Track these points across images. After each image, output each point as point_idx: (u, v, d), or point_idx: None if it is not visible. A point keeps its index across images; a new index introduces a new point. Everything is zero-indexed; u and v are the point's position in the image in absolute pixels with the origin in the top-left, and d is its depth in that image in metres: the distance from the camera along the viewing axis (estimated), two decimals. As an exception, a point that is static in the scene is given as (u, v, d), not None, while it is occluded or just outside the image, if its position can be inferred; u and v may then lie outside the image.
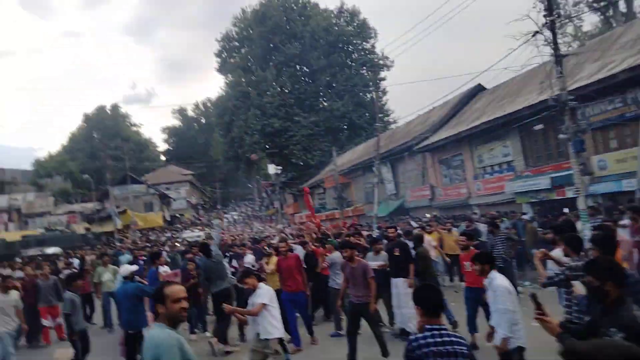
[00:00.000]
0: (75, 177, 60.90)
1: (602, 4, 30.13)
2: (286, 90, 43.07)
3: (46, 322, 8.93)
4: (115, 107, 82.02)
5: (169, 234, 35.94)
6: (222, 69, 48.79)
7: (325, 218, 37.15)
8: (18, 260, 19.46)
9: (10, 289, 7.97)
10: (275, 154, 43.52)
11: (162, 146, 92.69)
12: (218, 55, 48.89)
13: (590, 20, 41.71)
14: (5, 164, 56.56)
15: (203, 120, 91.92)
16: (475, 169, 19.66)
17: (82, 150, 71.32)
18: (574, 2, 30.00)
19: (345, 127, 43.79)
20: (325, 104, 43.76)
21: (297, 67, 44.70)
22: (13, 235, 35.43)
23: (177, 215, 61.55)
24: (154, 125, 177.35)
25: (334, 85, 43.33)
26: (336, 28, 44.29)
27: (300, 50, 42.40)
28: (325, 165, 43.74)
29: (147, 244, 22.47)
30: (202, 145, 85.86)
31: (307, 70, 44.36)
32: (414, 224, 17.37)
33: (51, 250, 25.50)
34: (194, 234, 29.37)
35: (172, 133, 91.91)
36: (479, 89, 23.41)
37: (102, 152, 66.63)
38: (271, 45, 43.77)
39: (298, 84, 44.16)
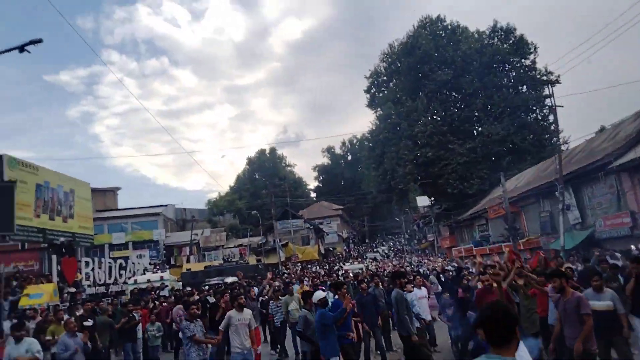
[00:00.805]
0: (242, 214, 67.23)
1: None
2: (438, 119, 41.84)
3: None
4: (273, 150, 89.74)
5: (327, 266, 36.56)
6: (372, 104, 49.79)
7: (489, 252, 34.22)
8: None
9: (244, 306, 8.23)
10: (428, 185, 42.13)
11: (312, 184, 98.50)
12: (367, 91, 50.14)
13: None
14: (186, 205, 64.86)
15: (349, 157, 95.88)
16: (698, 188, 15.98)
17: (246, 190, 78.63)
18: None
19: (506, 151, 40.42)
20: (481, 129, 41.21)
21: (449, 93, 43.28)
22: (197, 266, 40.14)
23: (330, 248, 63.47)
24: (304, 166, 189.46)
25: (490, 108, 40.70)
26: (490, 48, 42.02)
27: (452, 76, 41.06)
28: (484, 195, 40.78)
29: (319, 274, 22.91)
30: (348, 180, 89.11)
31: (460, 95, 42.60)
32: (617, 255, 14.70)
33: (229, 279, 27.87)
34: (354, 267, 29.50)
35: (321, 171, 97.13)
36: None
37: (265, 190, 73.08)
38: (420, 74, 43.29)
39: (450, 110, 42.62)
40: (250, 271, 34.16)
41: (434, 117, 42.01)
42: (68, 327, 7.76)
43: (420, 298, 9.31)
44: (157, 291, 19.10)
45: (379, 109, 49.04)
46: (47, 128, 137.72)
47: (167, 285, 20.89)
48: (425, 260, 36.12)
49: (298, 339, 10.36)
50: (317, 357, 6.40)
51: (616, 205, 20.48)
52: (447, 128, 41.09)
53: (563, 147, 40.42)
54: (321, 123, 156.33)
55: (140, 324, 11.58)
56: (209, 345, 7.90)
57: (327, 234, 68.29)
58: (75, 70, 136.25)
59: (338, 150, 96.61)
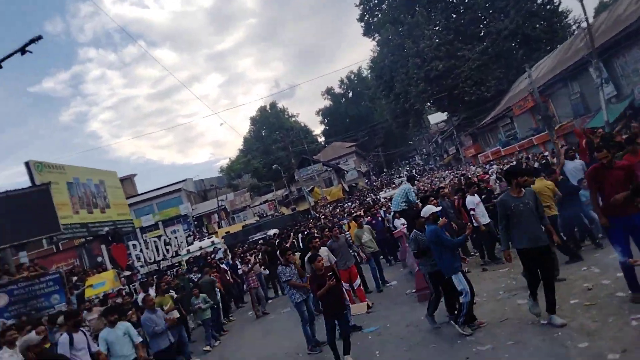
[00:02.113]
0: (259, 172, 67.12)
1: None
2: (441, 29, 39.90)
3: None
4: (273, 105, 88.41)
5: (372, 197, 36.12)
6: (368, 31, 47.73)
7: (519, 149, 33.67)
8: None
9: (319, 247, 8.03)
10: (445, 98, 40.97)
11: (318, 129, 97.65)
12: (360, 19, 47.97)
13: None
14: (201, 177, 64.82)
15: (350, 94, 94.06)
16: None
17: (257, 150, 78.12)
18: None
19: (518, 45, 38.70)
20: (488, 28, 39.27)
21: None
22: (233, 228, 40.48)
23: (353, 184, 63.64)
24: (306, 113, 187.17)
25: (494, 3, 38.54)
26: None
27: (447, -22, 38.80)
28: (504, 95, 39.63)
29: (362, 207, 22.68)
30: (355, 117, 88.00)
31: (460, -2, 40.39)
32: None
33: (271, 232, 27.98)
34: (389, 193, 29.29)
35: (325, 113, 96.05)
36: None
37: (276, 145, 72.58)
38: (413, -15, 40.96)
39: (452, 17, 40.54)
40: (288, 221, 34.56)
41: (437, 27, 40.06)
42: (147, 305, 7.88)
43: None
44: (212, 255, 19.14)
45: (376, 35, 47.05)
46: (45, 137, 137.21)
47: (220, 248, 20.94)
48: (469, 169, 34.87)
49: (377, 271, 10.22)
50: (440, 277, 5.99)
51: (656, 69, 19.55)
52: (453, 36, 39.32)
53: (574, 28, 38.70)
54: (312, 69, 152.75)
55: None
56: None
57: (347, 172, 68.25)
58: (57, 75, 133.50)
59: (338, 90, 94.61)
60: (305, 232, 18.06)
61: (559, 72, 25.79)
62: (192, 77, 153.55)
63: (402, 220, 14.10)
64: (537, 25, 37.55)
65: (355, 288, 8.91)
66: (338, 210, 35.98)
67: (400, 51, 41.23)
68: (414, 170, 62.71)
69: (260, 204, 55.95)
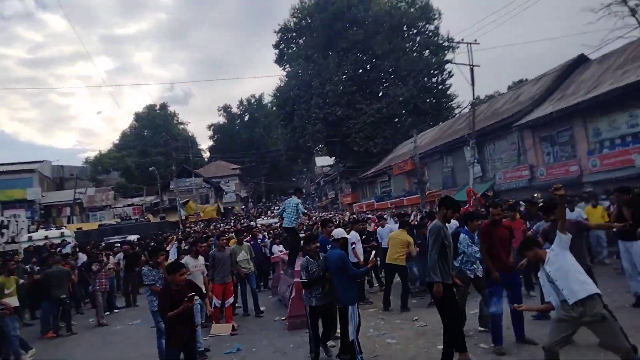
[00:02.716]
0: (131, 172, 62.16)
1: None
2: (347, 79, 42.13)
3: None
4: (163, 106, 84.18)
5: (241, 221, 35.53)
6: (281, 60, 48.52)
7: (390, 206, 36.23)
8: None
9: (200, 254, 7.54)
10: (336, 143, 42.78)
11: (204, 143, 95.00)
12: (276, 46, 48.64)
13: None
14: (62, 163, 58.10)
15: (247, 117, 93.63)
16: (589, 143, 18.24)
17: (134, 148, 72.74)
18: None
19: (408, 112, 42.46)
20: (387, 90, 42.57)
21: (359, 54, 43.67)
22: (86, 225, 36.34)
23: (229, 207, 62.29)
24: (194, 125, 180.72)
25: (397, 70, 42.13)
26: (399, 11, 43.00)
27: (363, 36, 41.40)
28: (387, 154, 42.73)
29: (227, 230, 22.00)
30: (246, 141, 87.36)
31: (370, 56, 43.22)
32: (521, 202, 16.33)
33: (132, 237, 25.67)
34: (269, 221, 29.10)
35: (217, 130, 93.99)
36: (582, 60, 21.90)
37: (157, 149, 68.31)
38: (332, 32, 42.86)
39: (360, 71, 43.23)
40: (153, 229, 32.17)
41: (344, 77, 42.26)
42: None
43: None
44: (59, 248, 16.69)
45: (287, 66, 48.01)
46: None
47: (69, 242, 18.31)
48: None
49: (256, 294, 9.66)
50: (326, 309, 5.78)
51: (516, 160, 22.71)
52: (356, 88, 41.77)
53: (457, 111, 43.82)
54: (213, 81, 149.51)
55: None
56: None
57: (226, 193, 66.76)
58: None
59: (235, 110, 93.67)
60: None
61: (439, 145, 28.61)
62: (77, 54, 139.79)
63: (280, 247, 13.94)
64: (428, 100, 41.80)
65: (226, 307, 8.34)
66: (211, 227, 34.58)
67: (306, 87, 42.44)
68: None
69: (125, 206, 51.60)
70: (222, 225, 37.35)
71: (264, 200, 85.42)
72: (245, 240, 10.36)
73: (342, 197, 48.40)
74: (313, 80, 41.79)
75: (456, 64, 22.03)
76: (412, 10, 43.52)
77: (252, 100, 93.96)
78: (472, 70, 21.73)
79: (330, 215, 30.33)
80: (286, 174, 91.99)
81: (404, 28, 44.17)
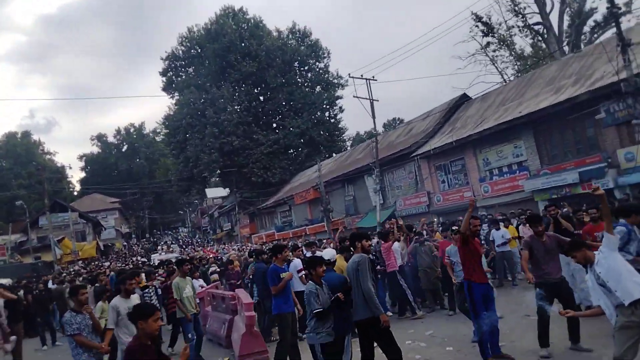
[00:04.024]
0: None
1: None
2: (243, 109, 42.03)
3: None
4: (26, 134, 75.21)
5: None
6: (169, 88, 46.73)
7: (292, 235, 36.33)
8: None
9: (133, 293, 6.50)
10: (232, 173, 41.99)
11: (76, 175, 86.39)
12: (163, 73, 46.87)
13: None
14: None
15: (125, 147, 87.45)
16: (481, 171, 20.56)
17: (-12, 180, 63.11)
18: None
19: (304, 144, 43.61)
20: (283, 122, 43.38)
21: (253, 86, 44.04)
22: None
23: (109, 244, 56.84)
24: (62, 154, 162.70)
25: (291, 103, 43.27)
26: (290, 47, 44.57)
27: (256, 69, 41.89)
28: (285, 184, 43.10)
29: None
30: (125, 172, 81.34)
31: (264, 89, 43.83)
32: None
33: (3, 281, 21.91)
34: (167, 256, 27.07)
35: (90, 160, 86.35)
36: (465, 99, 24.88)
37: (23, 180, 59.97)
38: (225, 63, 42.66)
39: (256, 102, 43.47)
40: (27, 271, 27.96)
41: (239, 107, 42.08)
42: None
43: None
44: None
45: (176, 94, 46.37)
46: None
47: None
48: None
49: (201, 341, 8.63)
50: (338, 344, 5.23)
51: (414, 188, 24.58)
52: (252, 119, 41.82)
53: (348, 143, 46.30)
54: (81, 109, 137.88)
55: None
56: None
57: (105, 229, 60.81)
58: None
59: (111, 139, 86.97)
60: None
61: (341, 175, 29.79)
62: None
63: (201, 281, 12.99)
64: (322, 133, 43.51)
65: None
66: (92, 265, 31.03)
67: (200, 116, 41.32)
68: (180, 242, 60.15)
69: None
70: (105, 264, 33.78)
71: (147, 235, 79.56)
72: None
73: (240, 228, 47.23)
74: (207, 110, 40.89)
75: (358, 97, 23.31)
76: (302, 47, 45.43)
77: (132, 130, 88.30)
78: (372, 104, 23.32)
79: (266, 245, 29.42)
80: (171, 206, 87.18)
81: (296, 64, 45.77)
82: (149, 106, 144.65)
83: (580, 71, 17.06)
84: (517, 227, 12.71)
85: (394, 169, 26.11)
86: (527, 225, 10.40)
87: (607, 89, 14.30)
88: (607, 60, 15.23)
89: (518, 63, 38.06)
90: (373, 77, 24.17)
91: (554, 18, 30.51)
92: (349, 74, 23.51)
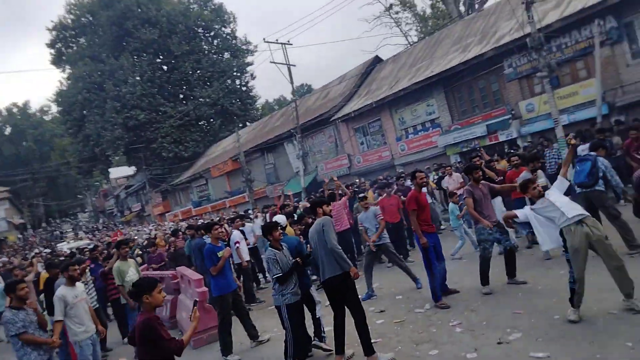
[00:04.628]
0: None
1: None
2: (147, 81, 38.98)
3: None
4: None
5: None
6: (59, 61, 41.91)
7: (211, 210, 35.32)
8: None
9: (78, 280, 5.91)
10: (140, 149, 39.30)
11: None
12: (51, 45, 41.79)
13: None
14: None
15: (8, 130, 77.70)
16: (397, 131, 21.33)
17: None
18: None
19: (217, 114, 41.90)
20: (193, 92, 41.14)
21: (156, 54, 40.91)
22: None
23: (1, 238, 51.06)
24: None
25: (199, 72, 41.09)
26: (193, 12, 41.92)
27: (158, 36, 38.93)
28: (199, 157, 41.31)
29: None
30: (11, 157, 72.70)
31: (168, 57, 40.92)
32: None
33: None
34: (79, 243, 24.97)
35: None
36: (377, 61, 25.40)
37: None
38: (122, 31, 39.06)
39: (160, 72, 40.54)
40: None
41: (142, 77, 39.03)
42: None
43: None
44: None
45: (67, 66, 41.78)
46: None
47: None
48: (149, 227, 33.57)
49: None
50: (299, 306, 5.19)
51: (335, 151, 24.93)
52: (157, 90, 39.03)
53: (259, 113, 45.36)
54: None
55: None
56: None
57: (-6, 223, 54.36)
58: None
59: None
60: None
61: (261, 143, 29.23)
62: None
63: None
64: (234, 102, 42.09)
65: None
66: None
67: (98, 90, 37.72)
68: (83, 228, 55.77)
69: None
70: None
71: (44, 224, 72.56)
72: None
73: (152, 208, 44.85)
74: (105, 82, 37.45)
75: (275, 63, 22.75)
76: (205, 12, 43.04)
77: (14, 110, 78.44)
78: (289, 69, 22.93)
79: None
80: (67, 191, 79.99)
81: (200, 30, 43.40)
82: (33, 83, 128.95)
83: (485, 29, 18.12)
84: (436, 181, 13.59)
85: (313, 134, 26.16)
86: (454, 175, 11.09)
87: (512, 44, 15.41)
88: (509, 17, 16.37)
89: (420, 24, 39.63)
90: (288, 41, 23.66)
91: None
92: (264, 39, 22.73)
